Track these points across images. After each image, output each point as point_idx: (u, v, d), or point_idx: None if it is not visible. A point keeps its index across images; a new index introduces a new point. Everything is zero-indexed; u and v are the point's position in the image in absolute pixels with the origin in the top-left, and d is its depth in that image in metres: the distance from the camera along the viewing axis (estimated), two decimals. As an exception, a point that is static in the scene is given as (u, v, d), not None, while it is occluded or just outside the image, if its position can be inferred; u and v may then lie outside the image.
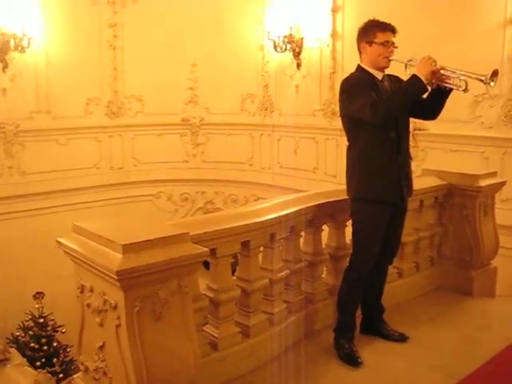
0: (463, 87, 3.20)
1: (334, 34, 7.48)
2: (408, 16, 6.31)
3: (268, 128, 8.53)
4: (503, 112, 5.94)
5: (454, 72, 3.21)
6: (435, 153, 6.50)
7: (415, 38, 5.75)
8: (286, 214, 3.38)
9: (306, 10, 7.70)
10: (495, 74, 3.10)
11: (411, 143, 6.20)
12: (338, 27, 7.45)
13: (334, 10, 7.44)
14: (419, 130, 6.55)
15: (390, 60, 3.31)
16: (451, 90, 3.28)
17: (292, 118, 8.14)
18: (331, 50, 7.52)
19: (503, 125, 5.95)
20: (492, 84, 3.11)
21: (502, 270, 4.71)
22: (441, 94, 3.32)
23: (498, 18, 5.86)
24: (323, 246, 3.88)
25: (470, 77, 3.16)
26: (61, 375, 6.66)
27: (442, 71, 3.22)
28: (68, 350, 7.10)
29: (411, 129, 6.21)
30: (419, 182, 4.15)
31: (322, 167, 7.81)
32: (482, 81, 3.11)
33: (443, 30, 6.18)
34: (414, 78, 3.16)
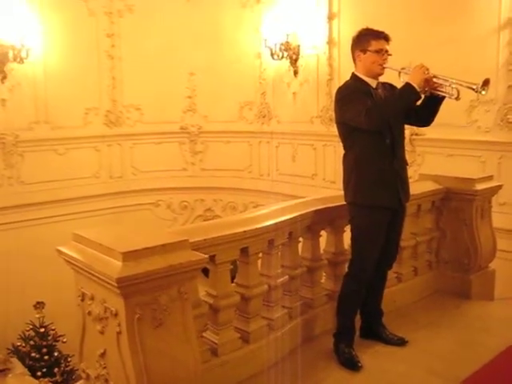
0: (455, 95, 3.25)
1: (330, 41, 7.54)
2: (403, 23, 6.37)
3: (266, 135, 8.57)
4: (499, 116, 5.98)
5: (446, 80, 3.26)
6: (433, 158, 6.54)
7: (410, 45, 5.82)
8: (284, 221, 3.41)
9: (303, 18, 7.76)
10: (486, 82, 3.15)
11: (408, 148, 6.30)
12: (335, 34, 7.51)
13: (330, 18, 7.50)
14: (416, 135, 6.60)
15: (383, 67, 3.36)
16: (444, 97, 3.33)
17: (290, 125, 8.19)
18: (328, 57, 7.58)
19: (499, 129, 6.00)
20: (483, 93, 3.16)
21: (501, 273, 4.73)
22: (434, 101, 3.38)
23: (492, 24, 5.91)
24: (321, 252, 3.91)
25: (461, 85, 3.21)
26: (62, 385, 6.68)
27: (434, 79, 3.27)
28: (69, 359, 7.10)
29: (408, 134, 6.34)
30: (416, 187, 4.19)
31: (320, 173, 7.84)
32: (473, 89, 3.16)
33: (438, 36, 6.23)
34: (407, 85, 3.21)
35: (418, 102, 3.36)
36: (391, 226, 3.49)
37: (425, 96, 3.34)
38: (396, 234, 3.63)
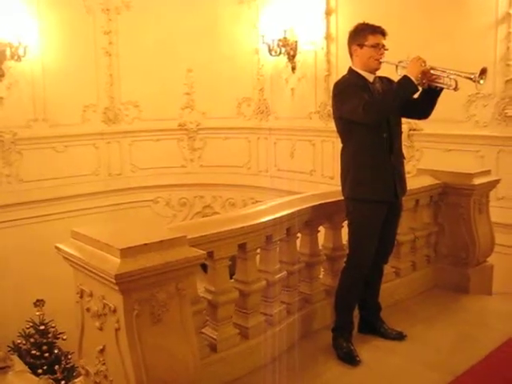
0: (453, 86, 3.25)
1: (328, 37, 7.54)
2: (401, 18, 6.37)
3: (264, 131, 8.58)
4: (497, 110, 5.98)
5: (444, 71, 3.26)
6: (431, 153, 6.54)
7: (408, 40, 5.82)
8: (282, 216, 3.41)
9: (300, 14, 7.75)
10: (484, 71, 3.15)
11: (407, 143, 6.31)
12: (332, 30, 7.51)
13: (328, 13, 7.49)
14: (414, 130, 6.61)
15: (380, 62, 3.36)
16: (442, 89, 3.33)
17: (288, 120, 8.20)
18: (325, 53, 7.57)
19: (497, 123, 6.00)
20: (481, 82, 3.16)
21: (499, 268, 4.74)
22: (432, 93, 3.38)
23: (490, 18, 5.91)
24: (320, 247, 3.92)
25: (459, 75, 3.21)
26: (62, 382, 6.69)
27: (432, 71, 3.28)
28: (69, 356, 7.12)
29: (406, 129, 6.34)
30: (414, 182, 4.20)
31: (318, 169, 7.85)
32: (471, 79, 3.16)
33: (436, 31, 6.23)
34: (405, 78, 3.21)
35: (416, 95, 3.35)
36: (387, 221, 3.49)
37: (423, 88, 3.33)
38: (392, 229, 3.63)
